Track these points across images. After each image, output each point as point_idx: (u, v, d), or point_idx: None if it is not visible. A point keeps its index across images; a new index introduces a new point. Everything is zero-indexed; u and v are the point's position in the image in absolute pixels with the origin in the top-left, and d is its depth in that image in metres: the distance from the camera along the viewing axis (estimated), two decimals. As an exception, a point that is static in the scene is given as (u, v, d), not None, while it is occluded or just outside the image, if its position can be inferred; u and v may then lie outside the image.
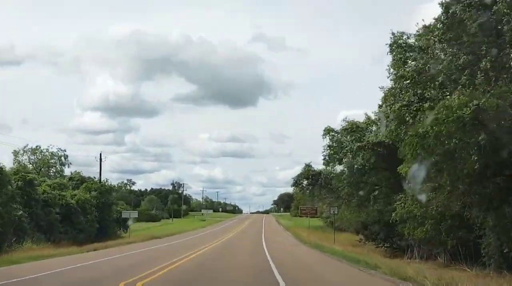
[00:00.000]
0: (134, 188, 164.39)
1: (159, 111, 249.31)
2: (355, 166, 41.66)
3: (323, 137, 47.86)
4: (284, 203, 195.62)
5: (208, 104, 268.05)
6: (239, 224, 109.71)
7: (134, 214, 59.83)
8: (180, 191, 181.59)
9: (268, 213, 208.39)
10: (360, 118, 46.60)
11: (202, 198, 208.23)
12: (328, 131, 47.78)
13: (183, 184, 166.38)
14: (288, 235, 68.61)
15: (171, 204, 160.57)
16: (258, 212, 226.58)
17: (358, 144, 40.28)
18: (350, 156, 42.12)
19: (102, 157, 69.34)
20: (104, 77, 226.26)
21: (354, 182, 43.74)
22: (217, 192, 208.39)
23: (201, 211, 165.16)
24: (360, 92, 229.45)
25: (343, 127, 45.66)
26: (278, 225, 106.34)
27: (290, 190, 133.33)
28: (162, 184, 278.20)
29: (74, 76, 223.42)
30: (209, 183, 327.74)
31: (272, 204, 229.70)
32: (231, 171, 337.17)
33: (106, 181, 66.48)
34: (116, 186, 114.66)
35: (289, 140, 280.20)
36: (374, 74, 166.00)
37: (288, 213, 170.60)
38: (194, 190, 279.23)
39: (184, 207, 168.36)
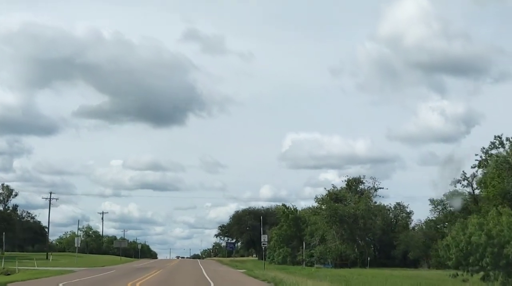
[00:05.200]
0: None
1: (59, 129, 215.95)
2: None
3: None
4: (244, 234, 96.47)
5: (124, 122, 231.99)
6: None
7: None
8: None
9: (201, 258, 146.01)
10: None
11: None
12: None
13: None
14: None
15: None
16: (180, 258, 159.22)
17: None
18: None
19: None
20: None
21: None
22: (102, 213, 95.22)
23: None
24: (314, 112, 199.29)
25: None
26: None
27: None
28: (59, 223, 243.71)
29: None
30: (121, 222, 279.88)
31: (216, 234, 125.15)
32: (150, 208, 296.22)
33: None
34: None
35: (225, 170, 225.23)
36: (331, 91, 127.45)
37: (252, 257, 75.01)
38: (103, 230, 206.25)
39: None
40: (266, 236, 56.68)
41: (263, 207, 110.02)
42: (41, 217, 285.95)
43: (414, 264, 76.55)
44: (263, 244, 53.47)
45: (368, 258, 63.83)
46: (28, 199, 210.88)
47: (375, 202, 71.59)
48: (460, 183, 66.11)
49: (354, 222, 65.07)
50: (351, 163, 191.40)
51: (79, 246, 67.69)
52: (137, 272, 46.81)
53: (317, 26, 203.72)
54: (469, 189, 67.27)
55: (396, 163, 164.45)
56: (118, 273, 46.17)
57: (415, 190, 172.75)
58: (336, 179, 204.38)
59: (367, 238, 66.75)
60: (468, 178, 65.89)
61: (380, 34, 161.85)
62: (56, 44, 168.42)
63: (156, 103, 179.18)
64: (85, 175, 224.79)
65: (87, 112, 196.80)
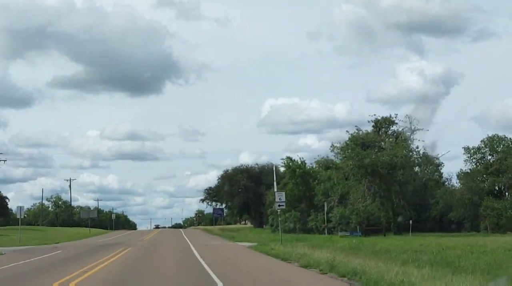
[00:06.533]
0: None
1: (34, 100, 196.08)
2: None
3: None
4: (236, 197, 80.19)
5: (99, 91, 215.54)
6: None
7: None
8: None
9: (184, 227, 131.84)
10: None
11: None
12: None
13: None
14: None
15: None
16: (161, 227, 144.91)
17: None
18: None
19: None
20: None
21: None
22: (70, 180, 76.44)
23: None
24: (292, 77, 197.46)
25: None
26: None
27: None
28: (38, 196, 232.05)
29: None
30: (101, 194, 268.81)
31: (203, 199, 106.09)
32: (129, 178, 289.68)
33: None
34: None
35: (204, 138, 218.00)
36: (309, 55, 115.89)
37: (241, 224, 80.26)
38: (82, 202, 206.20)
39: None
40: (283, 194, 38.84)
41: (257, 164, 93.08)
42: (18, 190, 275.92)
43: (457, 227, 61.25)
44: (280, 205, 36.41)
45: (411, 222, 47.69)
46: (6, 173, 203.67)
47: (417, 147, 54.99)
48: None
49: (389, 174, 48.69)
50: (331, 127, 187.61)
51: (22, 217, 50.62)
52: (90, 255, 29.94)
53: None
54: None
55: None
56: (57, 258, 29.36)
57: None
58: (315, 144, 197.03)
59: (406, 195, 50.38)
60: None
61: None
62: (28, 14, 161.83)
63: (132, 71, 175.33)
64: (62, 147, 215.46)
65: (61, 82, 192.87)
